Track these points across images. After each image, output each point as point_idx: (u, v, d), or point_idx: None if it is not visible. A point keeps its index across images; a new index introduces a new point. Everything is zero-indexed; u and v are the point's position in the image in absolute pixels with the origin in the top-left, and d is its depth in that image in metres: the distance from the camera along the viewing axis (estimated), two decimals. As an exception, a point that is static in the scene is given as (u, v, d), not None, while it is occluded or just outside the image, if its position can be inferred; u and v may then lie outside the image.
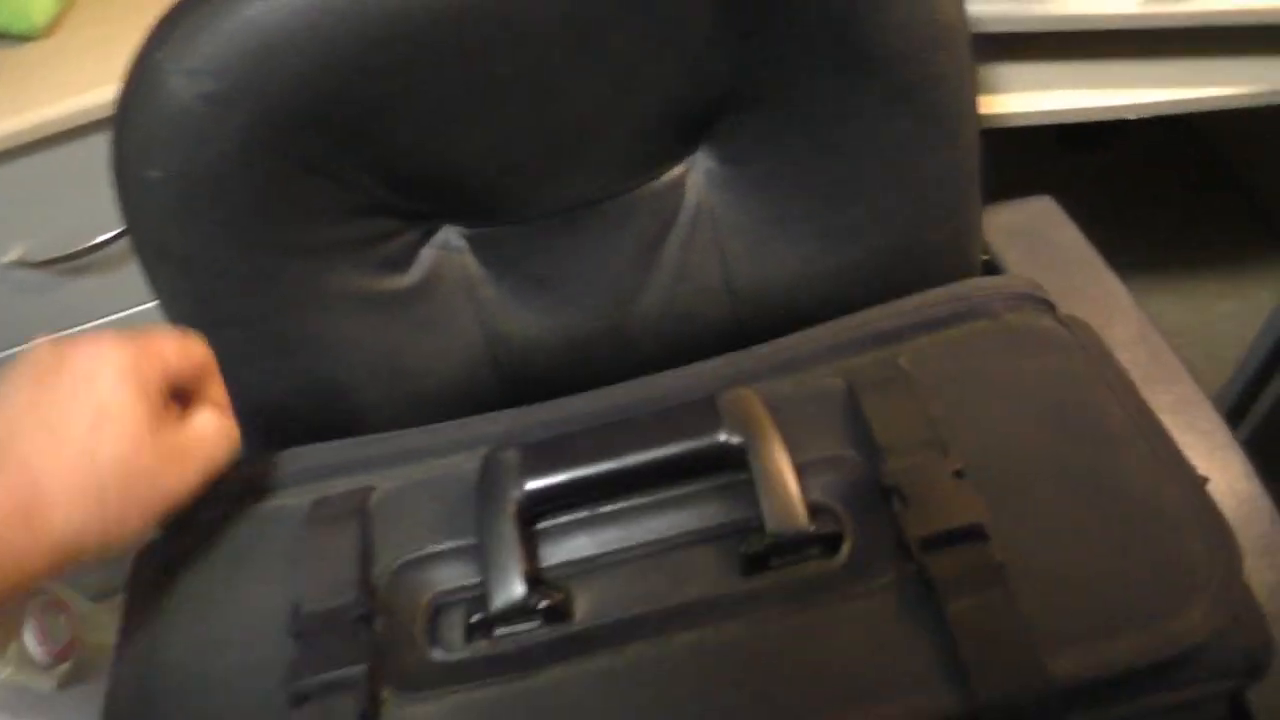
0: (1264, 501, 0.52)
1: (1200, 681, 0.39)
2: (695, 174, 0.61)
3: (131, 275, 0.88)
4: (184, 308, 0.56)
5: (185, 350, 0.45)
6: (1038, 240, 0.67)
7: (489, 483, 0.45)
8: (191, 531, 0.49)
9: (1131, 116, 0.77)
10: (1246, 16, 0.70)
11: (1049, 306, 0.52)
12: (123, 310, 0.94)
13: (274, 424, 0.60)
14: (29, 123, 0.77)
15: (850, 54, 0.54)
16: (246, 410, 0.58)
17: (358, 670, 0.41)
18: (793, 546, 0.43)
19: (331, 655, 0.42)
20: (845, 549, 0.43)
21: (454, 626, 0.44)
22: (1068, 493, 0.42)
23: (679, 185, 0.61)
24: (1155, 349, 0.59)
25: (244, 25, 0.49)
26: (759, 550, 0.43)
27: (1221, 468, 0.54)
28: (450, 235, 0.61)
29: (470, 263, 0.61)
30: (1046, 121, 0.78)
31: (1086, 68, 0.79)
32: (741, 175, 0.60)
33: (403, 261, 0.60)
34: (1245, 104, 0.77)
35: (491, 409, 0.61)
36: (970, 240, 0.63)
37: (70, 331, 0.94)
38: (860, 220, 0.60)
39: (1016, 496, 0.42)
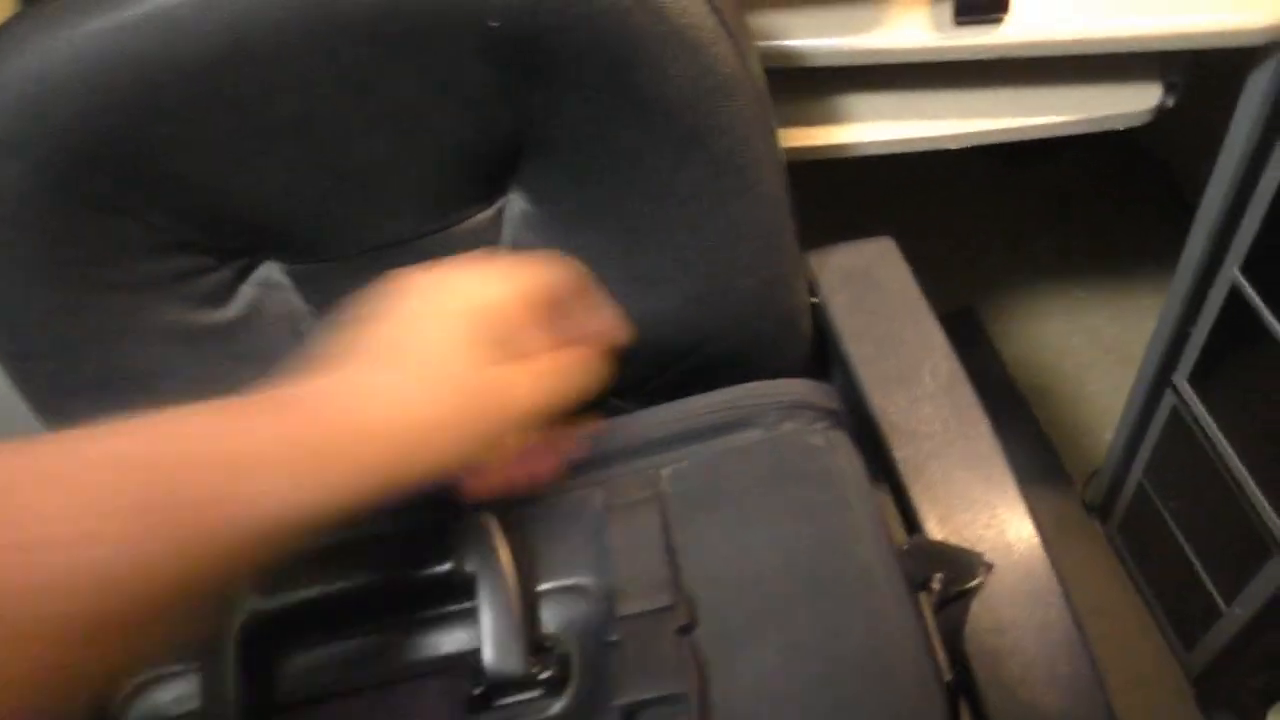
0: (1040, 556, 0.52)
1: None
2: (509, 213, 0.61)
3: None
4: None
5: (564, 279, 0.44)
6: (868, 282, 0.66)
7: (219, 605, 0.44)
8: None
9: (953, 146, 0.77)
10: (1057, 48, 0.70)
11: (827, 414, 0.51)
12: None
13: None
14: None
15: (632, 106, 0.53)
16: None
17: None
18: (514, 687, 0.42)
19: None
20: (563, 700, 0.42)
21: None
22: (791, 649, 0.41)
23: (495, 224, 0.61)
24: (960, 401, 0.58)
25: (15, 74, 0.49)
26: (478, 691, 0.42)
27: (1002, 525, 0.53)
28: (271, 271, 0.61)
29: (292, 297, 0.62)
30: (879, 152, 0.77)
31: (914, 98, 0.79)
32: (552, 216, 0.60)
33: (221, 296, 0.60)
34: (1062, 132, 0.78)
35: None
36: (786, 286, 0.63)
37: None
38: (665, 267, 0.60)
39: (739, 651, 0.41)
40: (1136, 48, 0.70)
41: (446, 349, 0.39)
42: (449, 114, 0.54)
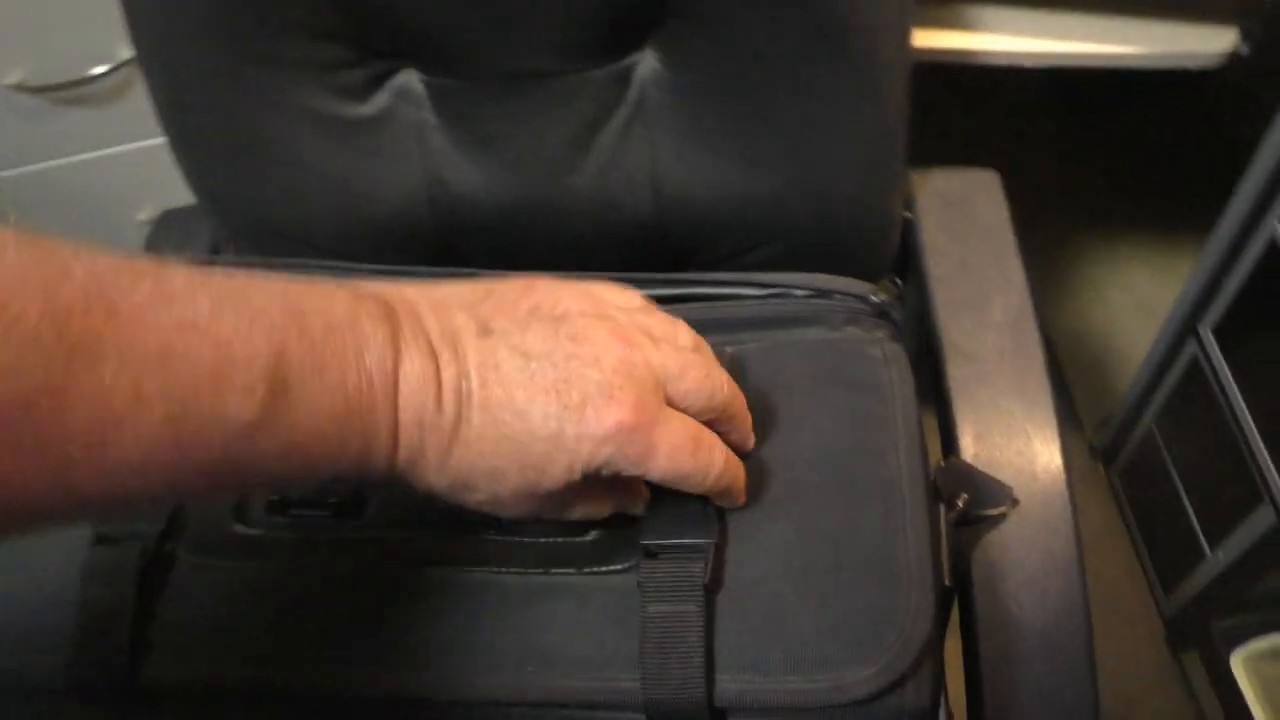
0: (1061, 491, 0.54)
1: None
2: (640, 70, 0.61)
3: (121, 111, 0.91)
4: (155, 87, 0.60)
5: (735, 400, 0.42)
6: (963, 209, 0.66)
7: None
8: None
9: (1028, 64, 0.77)
10: None
11: (890, 324, 0.52)
12: (112, 146, 0.96)
13: (246, 219, 0.65)
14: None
15: None
16: (206, 202, 0.66)
17: (153, 527, 0.44)
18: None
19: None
20: (595, 531, 0.44)
21: (256, 504, 0.46)
22: (809, 531, 0.43)
23: (624, 77, 0.61)
24: (1023, 337, 0.59)
25: None
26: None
27: (1034, 455, 0.55)
28: (410, 79, 0.63)
29: (424, 107, 0.63)
30: (953, 61, 0.76)
31: (989, 13, 0.78)
32: (680, 82, 0.60)
33: (361, 92, 0.63)
34: (1138, 64, 0.77)
35: (426, 248, 0.67)
36: (888, 194, 0.63)
37: (64, 161, 0.96)
38: (778, 152, 0.60)
39: (762, 521, 0.43)
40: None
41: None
42: None
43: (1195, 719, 1.09)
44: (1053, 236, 1.42)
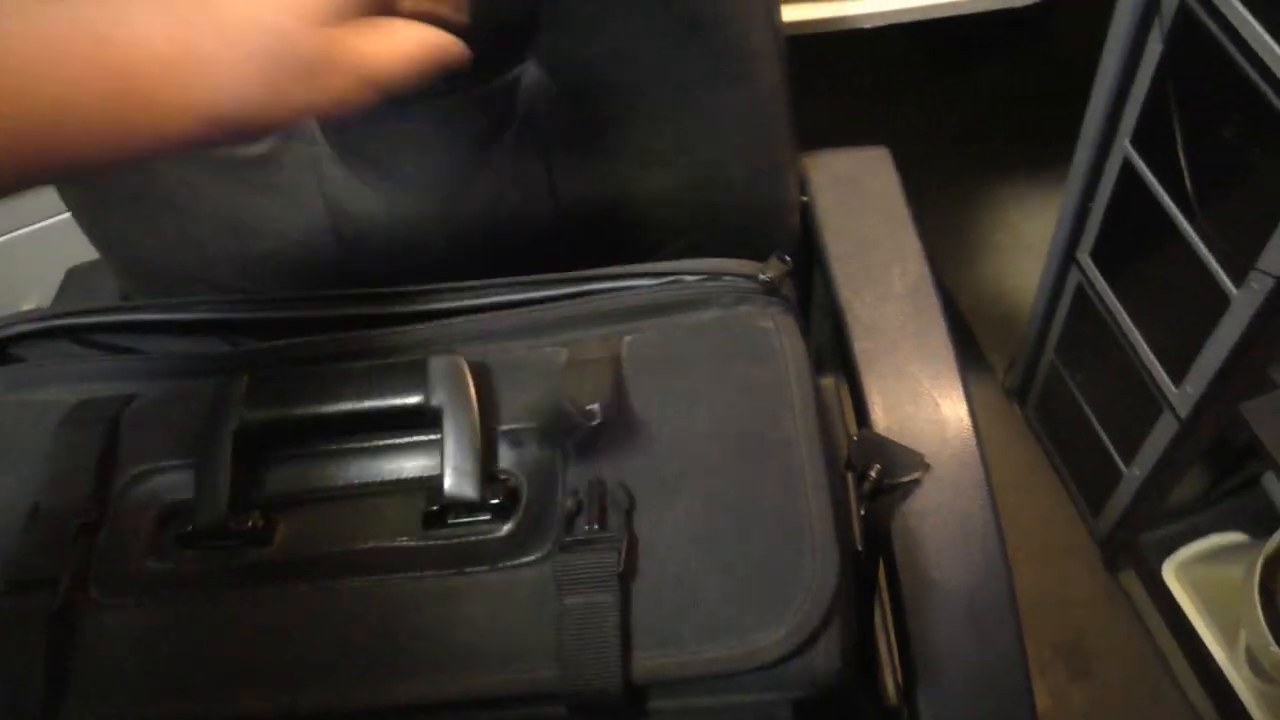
0: (972, 451, 0.55)
1: (764, 690, 0.41)
2: (524, 82, 0.61)
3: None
4: None
5: None
6: (856, 186, 0.67)
7: (215, 408, 0.47)
8: None
9: (867, 25, 0.78)
10: None
11: (780, 299, 0.52)
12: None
13: (148, 267, 0.65)
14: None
15: None
16: (110, 256, 0.65)
17: (60, 571, 0.43)
18: (465, 510, 0.45)
19: (48, 553, 0.44)
20: (510, 524, 0.45)
21: (169, 537, 0.46)
22: (713, 502, 0.43)
23: (510, 90, 0.61)
24: (922, 304, 0.60)
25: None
26: (434, 509, 0.45)
27: (943, 420, 0.56)
28: None
29: (315, 139, 0.63)
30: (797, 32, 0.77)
31: None
32: (564, 88, 0.61)
33: None
34: (972, 8, 0.79)
35: (333, 274, 0.66)
36: (778, 178, 0.64)
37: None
38: (664, 148, 0.61)
39: (669, 498, 0.44)
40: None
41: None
42: None
43: (1141, 634, 1.12)
44: (934, 195, 1.45)
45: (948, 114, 1.56)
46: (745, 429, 0.45)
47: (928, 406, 0.56)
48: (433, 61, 0.38)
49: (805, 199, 0.67)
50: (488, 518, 0.45)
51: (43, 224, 0.93)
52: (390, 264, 0.68)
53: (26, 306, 0.99)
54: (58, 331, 0.56)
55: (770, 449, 0.44)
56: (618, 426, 0.45)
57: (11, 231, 0.93)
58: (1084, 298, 1.00)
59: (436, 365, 0.46)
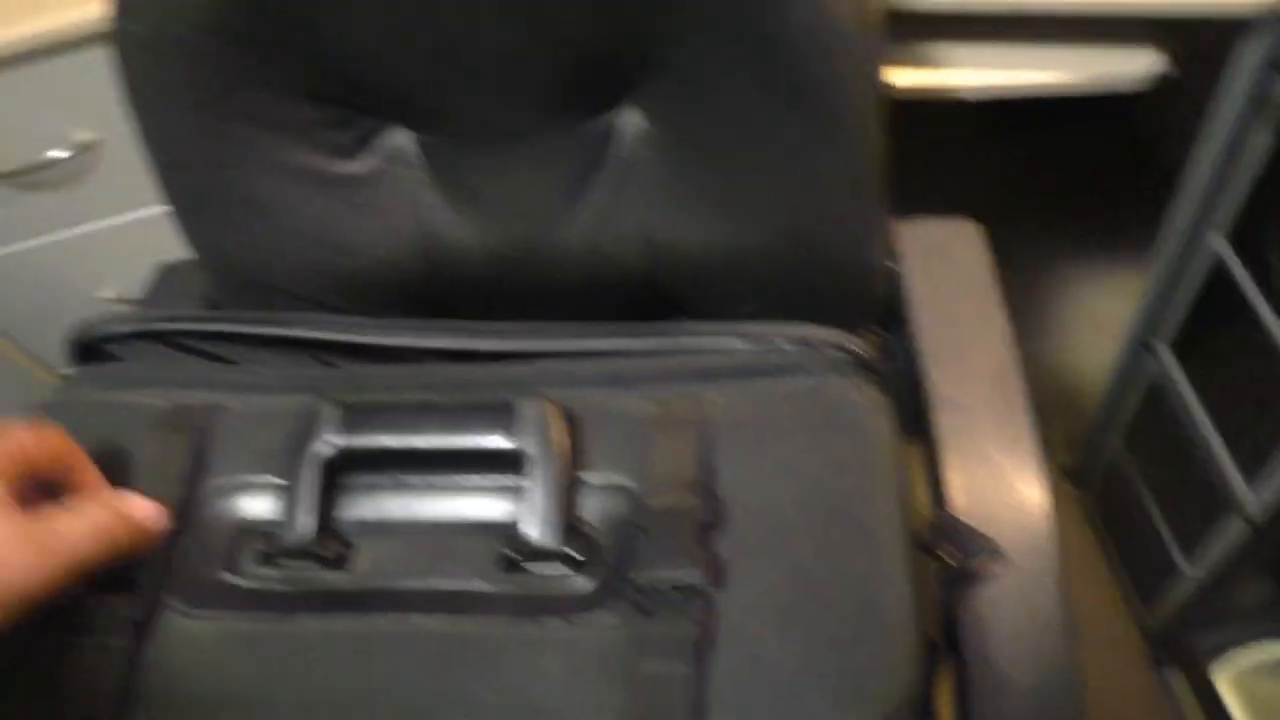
0: (1049, 544, 0.53)
1: None
2: (624, 126, 0.62)
3: (78, 194, 0.89)
4: (152, 150, 0.61)
5: (41, 440, 0.41)
6: (946, 257, 0.66)
7: (305, 431, 0.47)
8: (68, 409, 0.52)
9: (968, 98, 0.78)
10: (1067, 9, 0.72)
11: (873, 372, 0.52)
12: (71, 228, 0.94)
13: (240, 273, 0.66)
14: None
15: (748, 45, 0.54)
16: (204, 257, 0.66)
17: (142, 576, 0.44)
18: (543, 558, 0.44)
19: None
20: (587, 577, 0.44)
21: (250, 556, 0.47)
22: (797, 579, 0.42)
23: (607, 133, 0.62)
24: (1008, 385, 0.59)
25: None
26: (512, 554, 0.45)
27: (1021, 506, 0.55)
28: (400, 136, 0.63)
29: (415, 164, 0.64)
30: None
31: (921, 48, 0.79)
32: (663, 137, 0.61)
33: (351, 150, 0.63)
34: (1073, 91, 0.78)
35: (418, 298, 0.67)
36: (868, 244, 0.63)
37: (23, 246, 0.94)
38: (761, 205, 0.61)
39: (751, 571, 0.43)
40: (1139, 14, 0.71)
41: None
42: (580, 18, 0.55)
43: (1183, 739, 1.09)
44: (1005, 263, 1.44)
45: (1024, 185, 1.55)
46: (832, 506, 0.44)
47: (1006, 490, 0.55)
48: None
49: (893, 265, 0.66)
50: (565, 569, 0.44)
51: (127, 217, 0.95)
52: (475, 294, 0.68)
53: (104, 294, 1.01)
54: (152, 334, 0.57)
55: (857, 529, 0.44)
56: (703, 490, 0.45)
57: (94, 221, 0.95)
58: (1157, 387, 0.98)
59: (526, 409, 0.46)
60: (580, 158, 0.63)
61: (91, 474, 0.43)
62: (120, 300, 1.02)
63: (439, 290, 0.68)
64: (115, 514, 0.42)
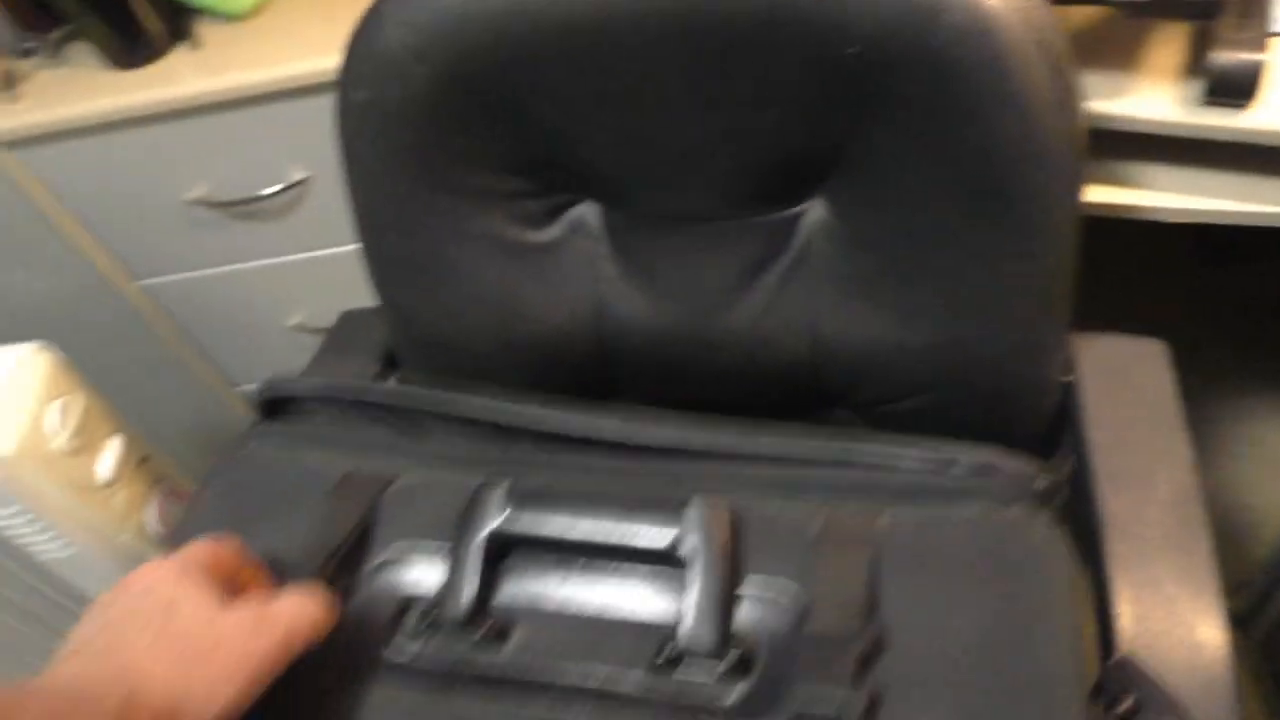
0: (1226, 694, 0.50)
1: None
2: (809, 218, 0.62)
3: (283, 227, 0.96)
4: (355, 203, 0.64)
5: (221, 546, 0.46)
6: (1127, 377, 0.63)
7: (472, 509, 0.48)
8: (250, 463, 0.55)
9: (1173, 220, 0.75)
10: None
11: (1047, 504, 0.50)
12: (272, 258, 1.01)
13: (419, 328, 0.69)
14: (225, 85, 0.85)
15: (949, 152, 0.53)
16: (386, 308, 0.70)
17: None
18: (698, 662, 0.44)
19: None
20: (741, 688, 0.43)
21: (408, 626, 0.48)
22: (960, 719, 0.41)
23: (791, 224, 0.63)
24: (1189, 516, 0.56)
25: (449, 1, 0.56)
26: (667, 656, 0.45)
27: (1197, 648, 0.52)
28: (588, 210, 0.66)
29: (597, 238, 0.66)
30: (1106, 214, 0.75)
31: (1139, 169, 0.76)
32: (846, 232, 0.61)
33: (541, 221, 0.66)
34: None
35: (587, 371, 0.69)
36: (1045, 356, 0.62)
37: (228, 269, 1.01)
38: (937, 307, 0.60)
39: (914, 704, 0.41)
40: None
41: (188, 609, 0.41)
42: (777, 118, 0.56)
43: None
44: (1183, 391, 1.37)
45: (1206, 311, 1.48)
46: (1004, 649, 0.43)
47: (1182, 630, 0.52)
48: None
49: (1069, 380, 0.64)
50: (720, 676, 0.44)
51: (322, 252, 1.01)
52: (639, 372, 0.70)
53: (291, 321, 1.08)
54: (338, 398, 0.60)
55: (1029, 677, 0.42)
56: (867, 614, 0.44)
57: (293, 254, 1.02)
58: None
59: (694, 511, 0.46)
60: (759, 245, 0.63)
61: (260, 575, 0.48)
62: (303, 329, 1.08)
63: (605, 364, 0.69)
64: (311, 603, 0.45)
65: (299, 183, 0.93)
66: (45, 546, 0.91)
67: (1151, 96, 0.70)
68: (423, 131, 0.60)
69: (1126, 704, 0.46)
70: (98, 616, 0.42)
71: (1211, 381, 1.40)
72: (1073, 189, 0.56)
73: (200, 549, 0.45)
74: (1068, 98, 0.53)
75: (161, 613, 0.41)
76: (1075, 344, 0.65)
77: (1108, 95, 0.70)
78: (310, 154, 0.91)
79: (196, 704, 0.39)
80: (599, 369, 0.70)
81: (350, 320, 0.79)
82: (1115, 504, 0.57)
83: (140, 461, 0.99)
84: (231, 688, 0.40)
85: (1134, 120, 0.70)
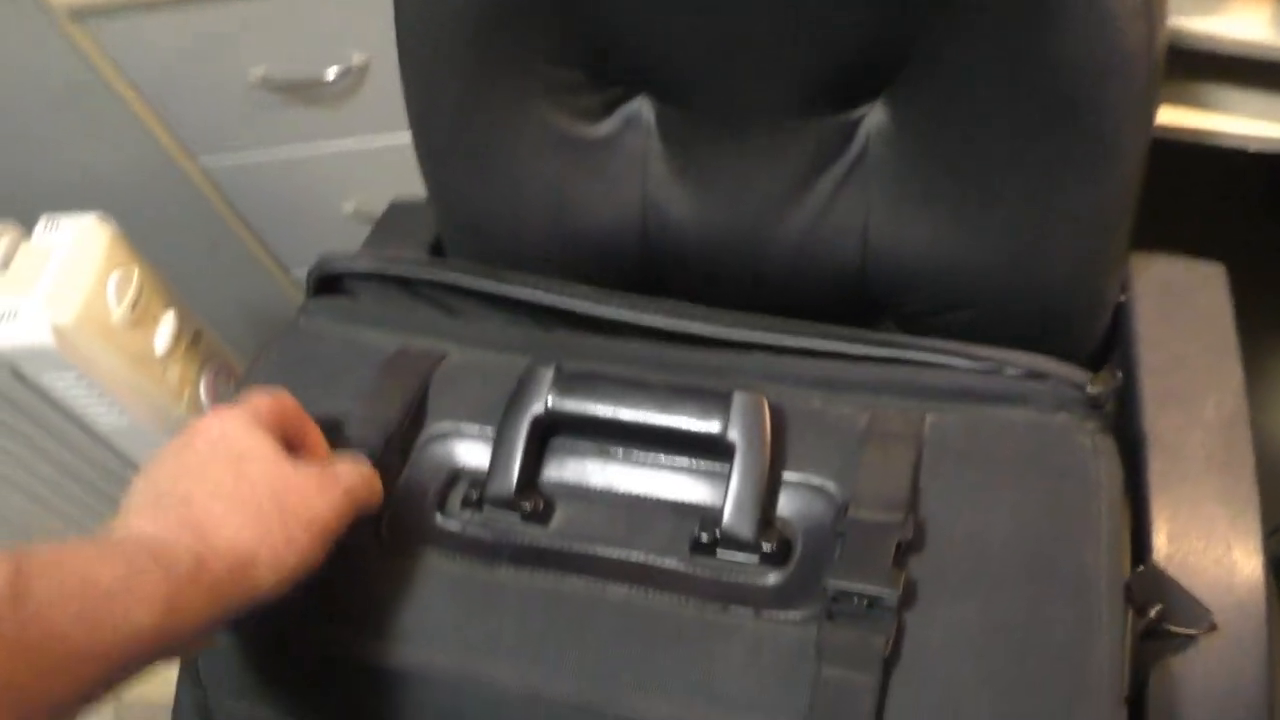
0: (1258, 611, 0.50)
1: None
2: (868, 122, 0.61)
3: (343, 112, 0.96)
4: (410, 88, 0.64)
5: (283, 400, 0.46)
6: (1184, 299, 0.62)
7: (520, 390, 0.49)
8: (304, 338, 0.56)
9: (1254, 148, 0.72)
10: None
11: (1098, 412, 0.49)
12: (331, 142, 1.01)
13: (468, 219, 0.69)
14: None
15: (1025, 58, 0.52)
16: (436, 197, 0.69)
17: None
18: (736, 547, 0.45)
19: None
20: (779, 574, 0.44)
21: (456, 498, 0.49)
22: (994, 616, 0.41)
23: (851, 128, 0.61)
24: (1234, 440, 0.55)
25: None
26: (707, 540, 0.45)
27: (1232, 567, 0.51)
28: (643, 106, 0.65)
29: (651, 135, 0.65)
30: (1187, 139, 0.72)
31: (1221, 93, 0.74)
32: (907, 137, 0.60)
33: (597, 115, 0.65)
34: None
35: (631, 267, 0.69)
36: (1103, 274, 0.60)
37: (287, 151, 1.02)
38: (994, 222, 0.59)
39: (948, 599, 0.42)
40: None
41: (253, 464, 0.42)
42: (851, 12, 0.54)
43: None
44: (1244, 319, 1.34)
45: (1273, 262, 1.44)
46: (1043, 550, 0.43)
47: (1218, 548, 0.52)
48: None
49: (1123, 299, 0.63)
50: (756, 561, 0.45)
51: (378, 141, 1.01)
52: (685, 275, 0.69)
53: (347, 207, 1.09)
54: (387, 276, 0.60)
55: (1067, 579, 0.42)
56: (906, 509, 0.44)
57: (350, 138, 1.02)
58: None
59: (739, 400, 0.46)
60: (816, 149, 0.62)
61: (318, 435, 0.48)
62: (359, 216, 1.09)
63: (652, 265, 0.69)
64: (368, 469, 0.46)
65: (359, 67, 0.93)
66: (103, 415, 0.94)
67: (1243, 16, 0.67)
68: (481, 17, 0.59)
69: (1154, 612, 0.47)
70: (170, 463, 0.42)
71: (1271, 327, 1.37)
72: (1148, 107, 0.54)
73: (264, 401, 0.45)
74: (1152, 8, 0.50)
75: (234, 464, 0.41)
76: (1132, 263, 0.64)
77: (1195, 11, 0.67)
78: (369, 39, 0.90)
79: (267, 559, 0.40)
80: (644, 269, 0.69)
81: (398, 210, 0.80)
82: (1160, 423, 0.56)
83: (194, 337, 1.01)
84: (300, 545, 0.41)
85: (1220, 40, 0.67)
